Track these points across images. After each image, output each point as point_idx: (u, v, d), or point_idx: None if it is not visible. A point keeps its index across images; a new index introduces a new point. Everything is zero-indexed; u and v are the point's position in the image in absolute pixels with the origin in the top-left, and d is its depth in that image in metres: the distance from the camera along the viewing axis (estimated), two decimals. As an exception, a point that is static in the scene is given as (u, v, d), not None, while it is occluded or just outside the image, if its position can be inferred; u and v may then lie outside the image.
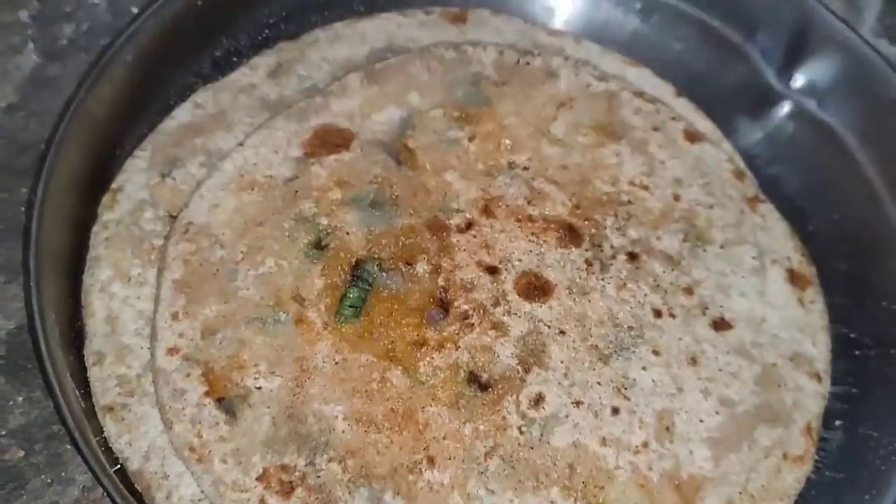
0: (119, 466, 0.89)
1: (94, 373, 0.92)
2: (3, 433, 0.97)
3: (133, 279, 0.97)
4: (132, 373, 0.92)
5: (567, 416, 0.91)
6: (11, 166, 1.13)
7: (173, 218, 1.01)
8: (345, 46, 1.17)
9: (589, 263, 1.01)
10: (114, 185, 1.04)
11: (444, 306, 0.95)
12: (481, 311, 0.95)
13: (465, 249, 0.99)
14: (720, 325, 1.00)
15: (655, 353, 0.96)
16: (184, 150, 1.06)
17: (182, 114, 1.09)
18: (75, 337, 0.96)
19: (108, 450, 0.89)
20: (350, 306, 0.94)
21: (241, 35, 1.21)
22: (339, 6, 1.25)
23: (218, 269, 0.96)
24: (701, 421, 0.93)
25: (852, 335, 1.05)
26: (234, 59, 1.19)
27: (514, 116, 1.09)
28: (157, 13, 1.11)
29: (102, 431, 0.90)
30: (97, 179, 1.05)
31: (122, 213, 1.02)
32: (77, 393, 0.90)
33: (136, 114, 1.11)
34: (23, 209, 1.10)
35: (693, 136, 1.12)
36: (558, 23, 1.26)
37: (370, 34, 1.18)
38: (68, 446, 0.97)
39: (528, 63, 1.13)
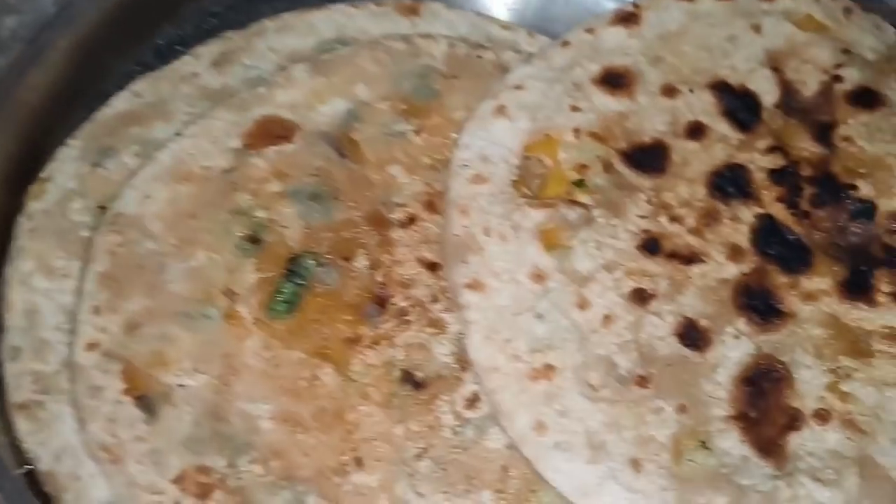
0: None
1: (8, 368, 0.88)
2: None
3: (56, 272, 0.93)
4: (49, 369, 0.88)
5: (503, 417, 0.87)
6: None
7: (104, 209, 0.97)
8: (293, 37, 1.13)
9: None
10: (42, 175, 0.99)
11: (381, 302, 0.92)
12: (419, 308, 0.92)
13: (406, 245, 0.96)
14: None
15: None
16: (118, 140, 1.02)
17: (119, 102, 1.05)
18: (-7, 331, 0.91)
19: (18, 450, 0.85)
20: (283, 301, 0.90)
21: (185, 24, 1.17)
22: (289, -4, 1.22)
23: (146, 262, 0.92)
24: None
25: None
26: (179, 47, 1.15)
27: (463, 110, 1.05)
28: (97, -2, 1.08)
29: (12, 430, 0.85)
30: (27, 169, 1.00)
31: (50, 204, 0.97)
32: (-11, 390, 0.86)
33: (71, 103, 1.07)
34: (-53, 199, 1.06)
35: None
36: (513, 17, 1.24)
37: (319, 25, 1.14)
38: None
39: (479, 56, 1.10)
